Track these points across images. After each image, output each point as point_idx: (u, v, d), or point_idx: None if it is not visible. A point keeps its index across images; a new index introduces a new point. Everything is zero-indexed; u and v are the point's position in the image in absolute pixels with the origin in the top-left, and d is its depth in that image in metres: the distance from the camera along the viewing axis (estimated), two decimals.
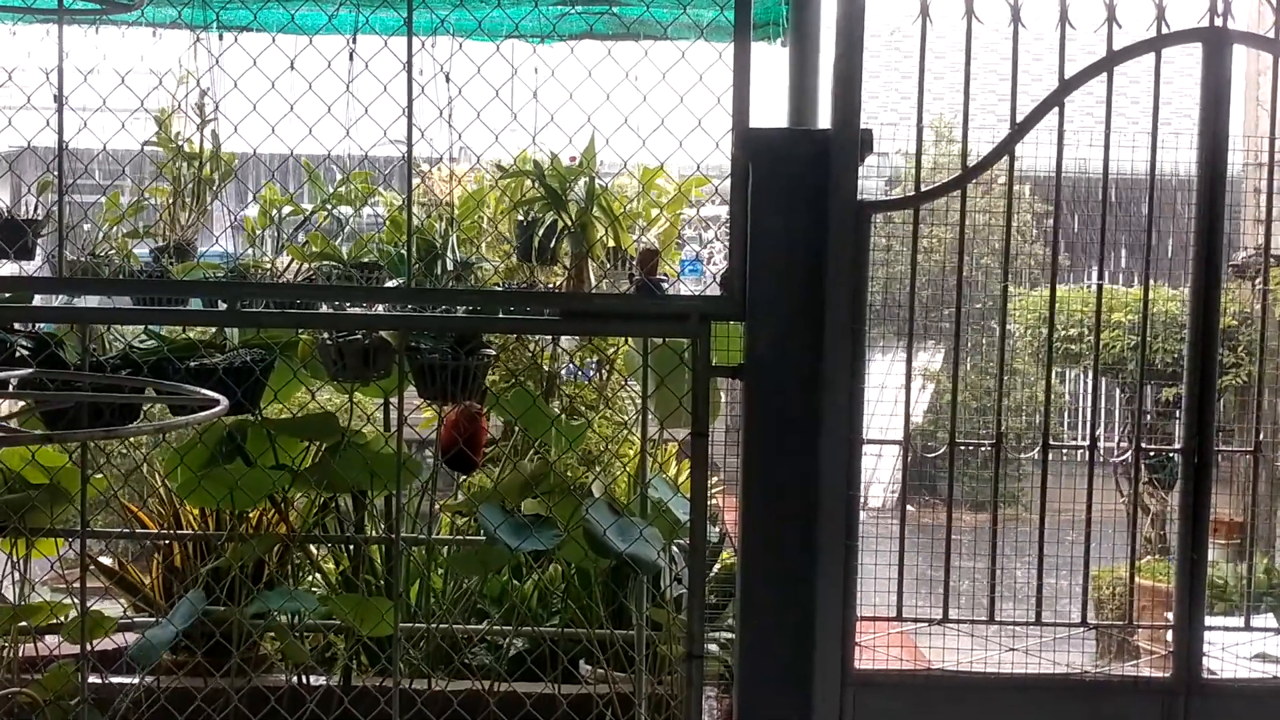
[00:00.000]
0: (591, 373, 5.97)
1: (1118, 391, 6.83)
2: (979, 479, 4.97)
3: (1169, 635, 3.57)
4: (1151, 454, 4.75)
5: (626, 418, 5.58)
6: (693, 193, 4.19)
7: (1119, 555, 6.05)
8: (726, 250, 3.39)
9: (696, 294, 3.68)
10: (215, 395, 2.39)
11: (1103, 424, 8.17)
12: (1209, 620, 3.42)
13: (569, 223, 3.50)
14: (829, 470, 3.31)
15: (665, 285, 3.52)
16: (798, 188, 3.29)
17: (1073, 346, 6.66)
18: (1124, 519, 6.39)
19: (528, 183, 3.80)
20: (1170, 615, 5.10)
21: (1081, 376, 7.94)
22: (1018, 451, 4.05)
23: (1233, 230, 4.63)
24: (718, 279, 3.46)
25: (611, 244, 3.61)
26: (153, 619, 4.27)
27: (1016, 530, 4.27)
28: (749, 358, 3.34)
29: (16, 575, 4.40)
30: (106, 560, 4.72)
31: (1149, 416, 6.52)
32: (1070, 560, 3.61)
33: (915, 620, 3.42)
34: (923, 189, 3.41)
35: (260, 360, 3.60)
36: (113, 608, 4.62)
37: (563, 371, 5.56)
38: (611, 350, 5.27)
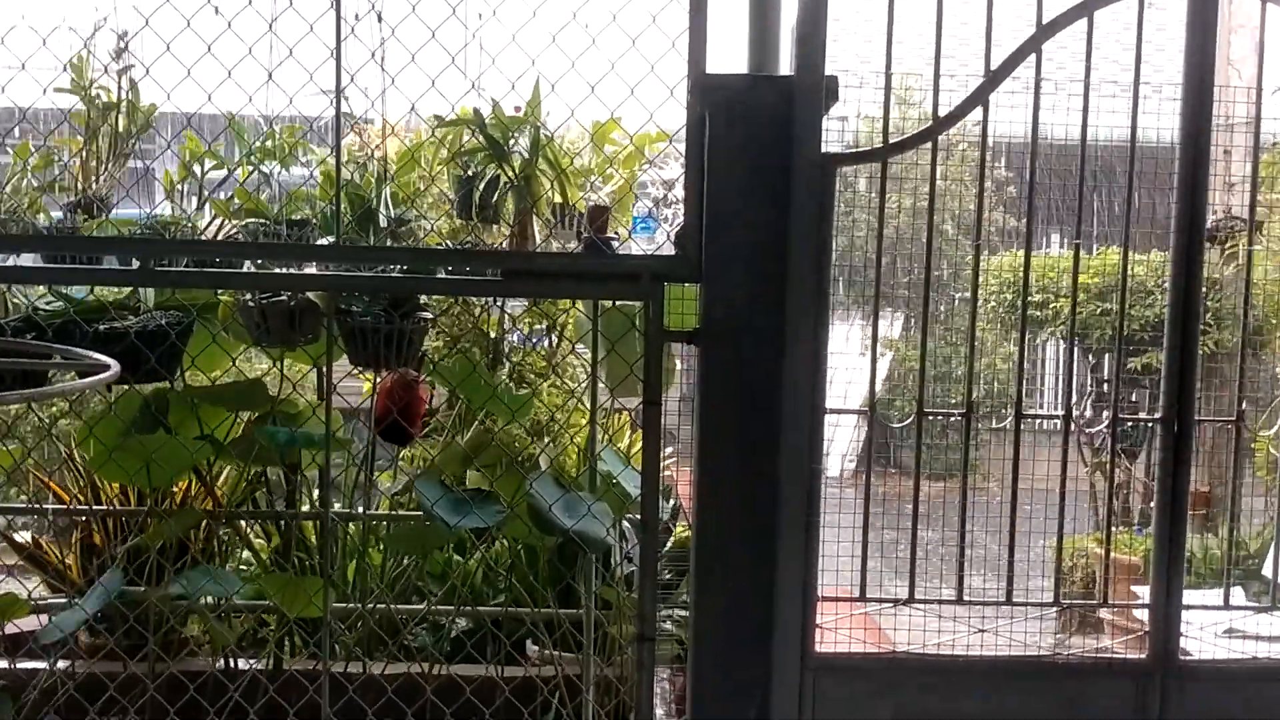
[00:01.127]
0: (541, 340, 5.74)
1: (1081, 359, 6.68)
2: (937, 449, 4.82)
3: (1141, 613, 3.41)
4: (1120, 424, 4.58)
5: (576, 386, 5.36)
6: (648, 149, 3.95)
7: (1081, 527, 5.93)
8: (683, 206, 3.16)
9: (649, 253, 3.44)
10: (106, 360, 2.14)
11: (1061, 392, 8.04)
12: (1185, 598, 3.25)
13: (512, 177, 3.24)
14: (790, 441, 3.09)
15: (616, 245, 3.28)
16: (758, 138, 3.05)
17: (1035, 313, 6.50)
18: (1085, 489, 6.27)
19: (468, 134, 3.53)
20: (1137, 590, 4.98)
21: (1047, 345, 7.80)
22: (989, 421, 3.87)
23: None
24: (672, 238, 3.23)
25: (558, 200, 3.36)
26: (69, 600, 4.01)
27: (975, 501, 4.10)
28: (705, 321, 3.11)
29: None
30: (23, 537, 4.44)
31: (1116, 385, 6.38)
32: (1029, 534, 3.45)
33: (880, 600, 3.22)
34: (891, 141, 3.19)
35: (177, 324, 3.33)
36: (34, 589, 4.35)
37: (512, 338, 5.31)
38: (562, 315, 5.04)
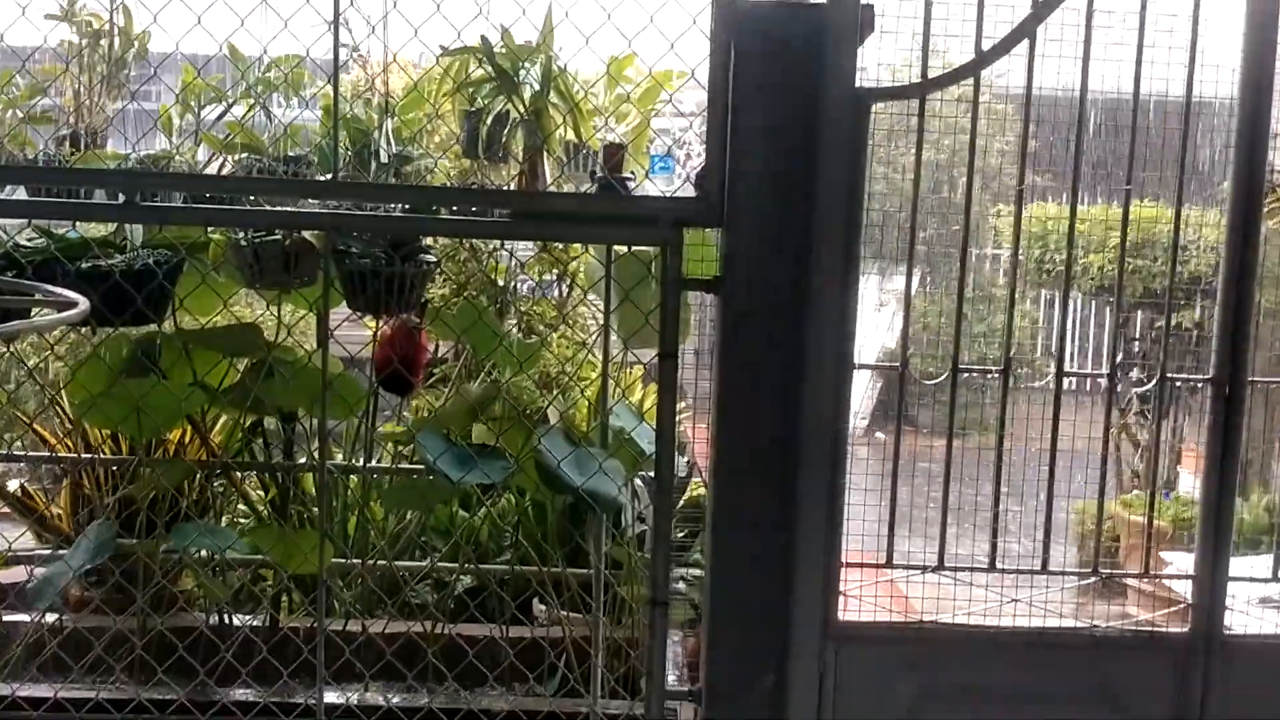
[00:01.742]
0: (550, 289, 5.54)
1: (1108, 316, 6.48)
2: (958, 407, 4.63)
3: (1176, 584, 3.23)
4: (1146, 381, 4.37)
5: (587, 337, 5.17)
6: (669, 86, 3.71)
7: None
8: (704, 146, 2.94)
9: (667, 195, 3.23)
10: (74, 296, 1.95)
11: (1078, 350, 7.83)
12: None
13: (522, 111, 3.03)
14: (814, 398, 2.91)
15: (632, 186, 3.06)
16: (787, 72, 2.84)
17: (1062, 270, 6.27)
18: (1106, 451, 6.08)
19: (475, 67, 3.31)
20: (1166, 556, 4.80)
21: (1071, 302, 7.57)
22: (1028, 379, 3.67)
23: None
24: (692, 179, 3.02)
25: (571, 137, 3.15)
26: (59, 551, 3.85)
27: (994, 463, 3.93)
28: (726, 269, 2.91)
29: None
30: (12, 484, 4.28)
31: (1143, 344, 6.17)
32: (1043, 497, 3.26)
33: (907, 567, 3.04)
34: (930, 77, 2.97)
35: (165, 262, 3.13)
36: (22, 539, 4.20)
37: (522, 287, 5.11)
38: (573, 262, 4.83)
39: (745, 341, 2.93)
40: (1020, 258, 6.52)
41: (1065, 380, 3.11)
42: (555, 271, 4.97)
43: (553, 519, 4.11)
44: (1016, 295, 3.33)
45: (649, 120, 3.79)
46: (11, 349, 3.51)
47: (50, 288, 2.01)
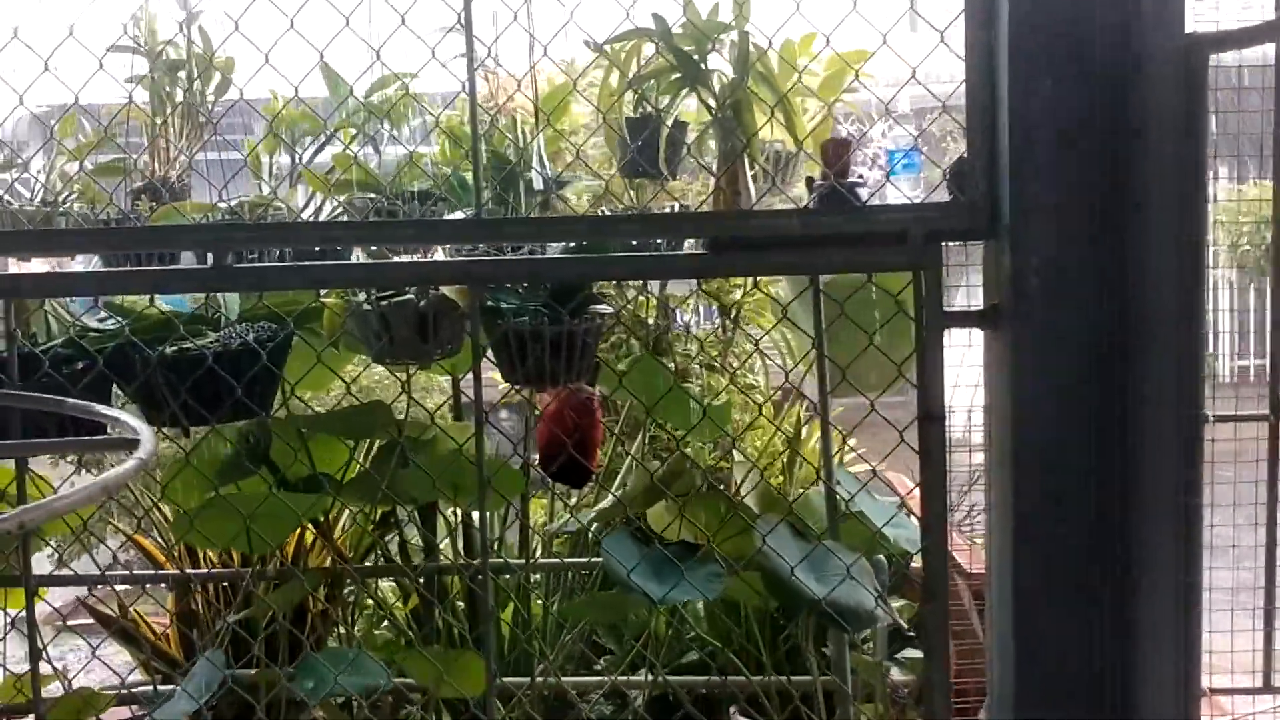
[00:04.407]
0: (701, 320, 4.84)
1: None
2: None
3: None
4: None
5: (755, 380, 4.41)
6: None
7: None
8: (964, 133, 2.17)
9: (914, 201, 2.47)
10: (135, 426, 1.26)
11: None
12: None
13: (713, 106, 2.28)
14: (1150, 464, 2.11)
15: (864, 191, 2.30)
16: (1084, 19, 2.06)
17: None
18: None
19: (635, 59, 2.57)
20: None
21: None
22: None
23: None
24: (947, 173, 2.25)
25: (780, 137, 2.40)
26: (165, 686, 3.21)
27: None
28: (1012, 294, 2.13)
29: None
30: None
31: None
32: None
33: None
34: None
35: (269, 339, 2.45)
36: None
37: (678, 324, 4.38)
38: (734, 292, 4.09)
39: (1042, 389, 2.14)
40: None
41: None
42: (714, 304, 4.25)
43: (751, 612, 3.36)
44: None
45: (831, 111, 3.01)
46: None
47: (104, 410, 1.32)
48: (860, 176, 2.35)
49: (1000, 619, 2.24)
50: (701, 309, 4.79)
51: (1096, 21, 2.04)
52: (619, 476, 3.60)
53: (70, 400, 1.45)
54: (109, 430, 1.41)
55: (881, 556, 2.79)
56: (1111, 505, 2.12)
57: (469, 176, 2.78)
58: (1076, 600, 2.16)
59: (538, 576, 3.58)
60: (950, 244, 2.32)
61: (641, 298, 4.01)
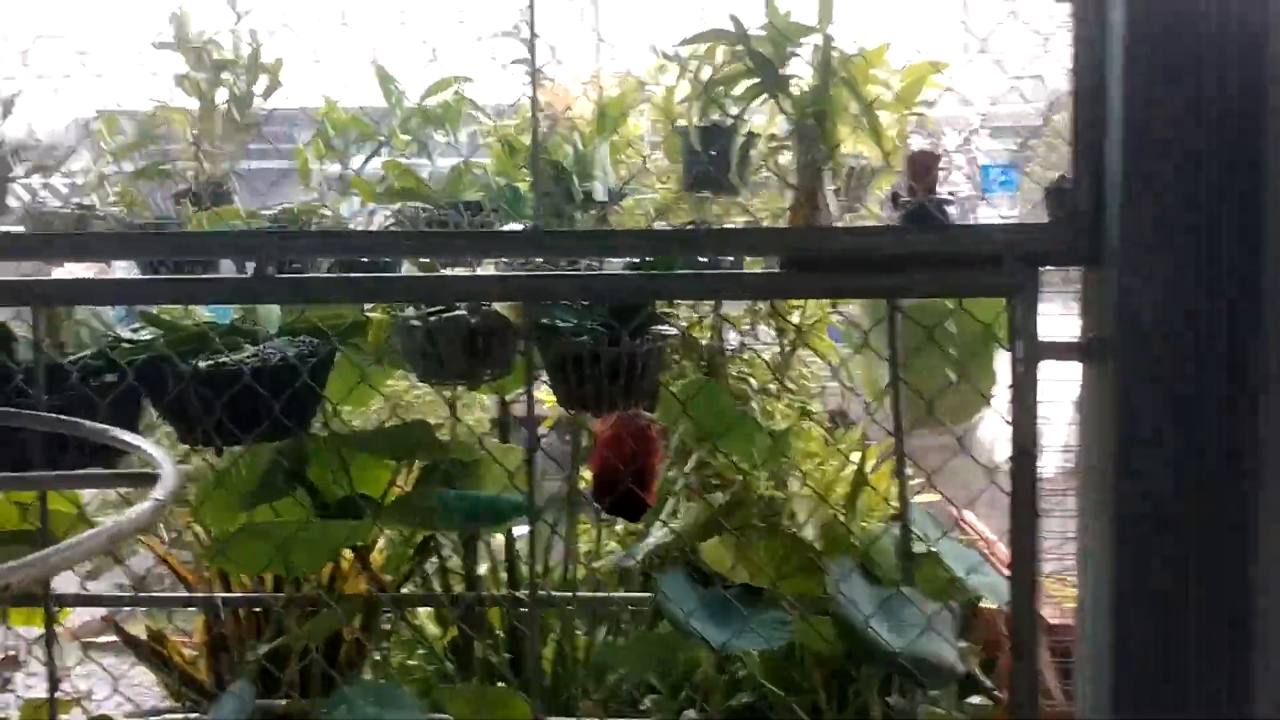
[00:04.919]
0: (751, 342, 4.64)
1: None
2: None
3: None
4: None
5: (812, 405, 4.21)
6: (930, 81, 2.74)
7: None
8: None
9: (1008, 222, 2.28)
10: (157, 458, 1.10)
11: None
12: None
13: (794, 114, 2.11)
14: (1273, 522, 1.91)
15: (954, 210, 2.12)
16: (1206, 15, 1.87)
17: None
18: None
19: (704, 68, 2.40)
20: None
21: None
22: None
23: None
24: (1046, 187, 2.07)
25: (864, 150, 2.22)
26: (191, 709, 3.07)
27: None
28: (1123, 326, 1.94)
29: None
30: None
31: None
32: None
33: None
34: None
35: (310, 354, 2.29)
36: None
37: (730, 345, 4.19)
38: (795, 314, 3.90)
39: (1160, 438, 1.94)
40: None
41: None
42: (773, 325, 4.06)
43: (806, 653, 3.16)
44: None
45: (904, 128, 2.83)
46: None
47: (127, 438, 1.16)
48: (951, 193, 2.17)
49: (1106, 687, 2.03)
50: (757, 329, 4.61)
51: (1214, 22, 1.86)
52: (667, 505, 3.42)
53: (87, 423, 1.29)
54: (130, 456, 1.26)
55: (954, 603, 2.60)
56: (1230, 568, 1.92)
57: (523, 187, 2.63)
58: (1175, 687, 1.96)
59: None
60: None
61: (695, 316, 3.83)
